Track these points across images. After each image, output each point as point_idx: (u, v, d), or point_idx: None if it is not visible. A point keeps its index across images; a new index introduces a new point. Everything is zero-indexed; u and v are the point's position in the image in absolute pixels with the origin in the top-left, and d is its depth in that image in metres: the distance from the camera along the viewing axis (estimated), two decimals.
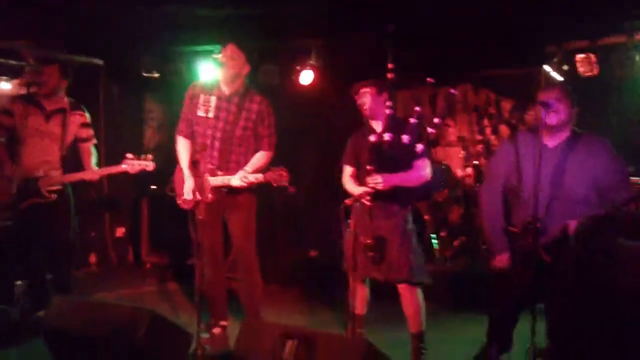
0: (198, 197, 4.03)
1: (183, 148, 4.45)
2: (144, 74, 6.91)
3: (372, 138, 3.89)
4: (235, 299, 4.82)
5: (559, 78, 6.05)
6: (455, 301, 5.53)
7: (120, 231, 7.33)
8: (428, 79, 3.98)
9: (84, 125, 4.98)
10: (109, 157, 6.41)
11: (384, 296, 4.32)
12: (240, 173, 4.14)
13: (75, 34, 6.55)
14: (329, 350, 3.00)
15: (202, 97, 4.35)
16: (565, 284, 3.36)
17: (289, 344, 3.08)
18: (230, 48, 4.33)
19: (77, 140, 4.94)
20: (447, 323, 5.13)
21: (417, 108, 3.97)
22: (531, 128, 3.68)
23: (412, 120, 3.90)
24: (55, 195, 4.75)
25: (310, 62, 6.73)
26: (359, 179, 4.13)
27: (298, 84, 6.54)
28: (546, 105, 3.37)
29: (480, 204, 3.83)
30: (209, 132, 4.30)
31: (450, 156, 7.15)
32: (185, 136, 4.45)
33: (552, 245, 3.35)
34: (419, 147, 3.84)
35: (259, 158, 4.32)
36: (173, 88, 7.36)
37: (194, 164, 4.07)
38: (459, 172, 6.93)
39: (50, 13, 6.16)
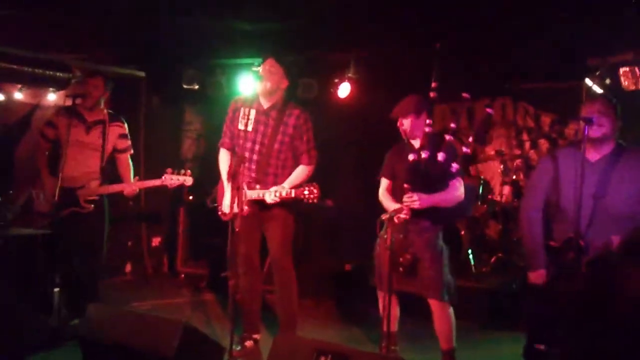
0: (235, 209, 4.05)
1: (224, 160, 4.52)
2: (185, 86, 6.99)
3: (411, 157, 3.87)
4: (270, 312, 4.82)
5: (601, 92, 5.91)
6: (491, 319, 5.43)
7: (156, 241, 7.41)
8: (464, 95, 3.92)
9: (122, 136, 5.08)
10: (148, 166, 6.55)
11: (415, 313, 4.28)
12: (275, 188, 4.15)
13: (118, 46, 6.69)
14: None
15: (242, 111, 4.41)
16: (604, 302, 3.26)
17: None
18: (270, 62, 4.38)
19: (115, 151, 5.03)
20: (482, 341, 5.05)
21: (453, 125, 3.95)
22: (573, 142, 3.60)
23: (447, 137, 3.87)
24: (93, 206, 4.84)
25: (348, 74, 6.74)
26: (394, 194, 4.13)
27: (336, 97, 6.53)
28: (589, 121, 3.30)
29: (520, 220, 3.77)
30: (248, 145, 4.34)
31: (488, 171, 7.05)
32: (227, 148, 4.52)
33: (594, 262, 3.26)
34: (454, 166, 3.81)
35: (299, 173, 4.32)
36: (212, 100, 7.46)
37: (232, 176, 4.10)
38: (497, 187, 6.82)
39: (95, 25, 6.33)
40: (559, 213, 3.50)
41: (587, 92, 6.32)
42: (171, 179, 4.77)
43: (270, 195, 4.15)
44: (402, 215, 3.82)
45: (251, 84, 7.02)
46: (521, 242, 6.33)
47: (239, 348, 4.39)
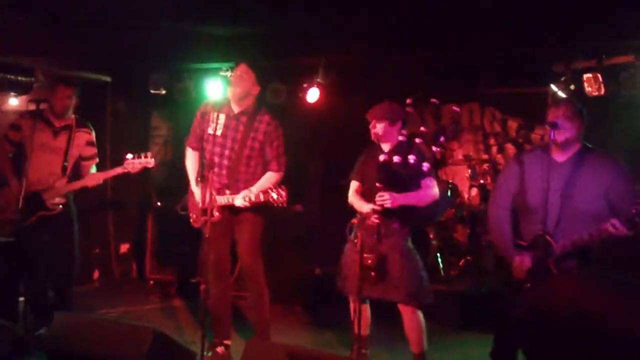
0: (204, 216, 4.04)
1: (190, 160, 4.49)
2: (152, 91, 6.93)
3: (382, 157, 3.89)
4: (240, 318, 4.79)
5: (565, 97, 6.03)
6: (461, 321, 5.49)
7: (124, 247, 7.32)
8: (432, 100, 3.97)
9: (89, 143, 5.00)
10: None
11: (386, 316, 4.30)
12: (244, 192, 4.14)
13: (83, 51, 6.60)
14: None
15: (212, 115, 4.37)
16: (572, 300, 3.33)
17: None
18: (241, 68, 4.36)
19: (81, 159, 4.95)
20: (453, 343, 5.09)
21: (423, 128, 3.98)
22: (541, 146, 3.69)
23: (417, 140, 3.90)
24: (61, 207, 4.75)
25: (317, 80, 6.75)
26: (365, 195, 4.13)
27: (305, 102, 6.54)
28: (554, 126, 3.37)
29: (489, 219, 3.83)
30: (217, 150, 4.31)
31: (456, 175, 7.13)
32: (194, 149, 4.48)
33: (561, 259, 3.32)
34: (426, 166, 3.84)
35: (268, 178, 4.31)
36: (180, 105, 7.41)
37: (201, 180, 4.07)
38: (465, 191, 6.90)
39: (59, 30, 6.23)
40: (527, 213, 3.56)
41: (552, 98, 6.45)
42: (133, 164, 4.70)
43: (240, 200, 4.13)
44: (374, 219, 3.82)
45: (219, 88, 7.07)
46: (490, 245, 6.47)
47: (209, 354, 4.36)
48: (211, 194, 4.02)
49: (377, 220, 3.82)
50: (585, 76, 5.81)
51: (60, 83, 4.95)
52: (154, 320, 5.48)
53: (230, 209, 4.25)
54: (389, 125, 4.08)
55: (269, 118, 4.35)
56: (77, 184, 4.83)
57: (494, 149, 6.99)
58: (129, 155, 4.69)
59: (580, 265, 3.36)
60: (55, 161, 4.82)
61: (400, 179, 3.91)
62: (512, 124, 6.97)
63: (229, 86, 4.33)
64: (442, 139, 3.89)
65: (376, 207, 3.81)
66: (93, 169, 4.99)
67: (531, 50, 6.03)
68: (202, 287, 3.98)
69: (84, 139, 4.97)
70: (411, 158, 3.82)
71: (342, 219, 7.39)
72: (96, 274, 6.94)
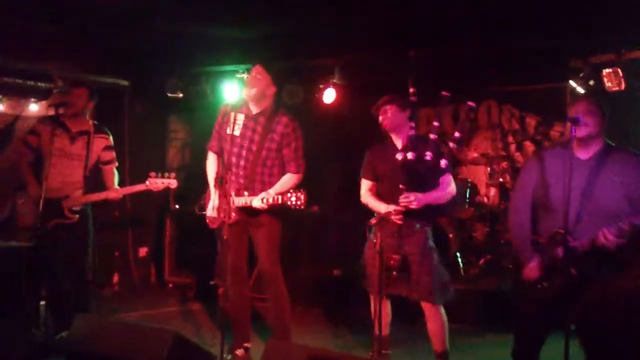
0: (222, 216, 4.03)
1: (211, 163, 4.50)
2: (169, 95, 6.96)
3: (399, 157, 3.84)
4: (259, 320, 4.78)
5: (584, 93, 5.95)
6: (480, 321, 5.44)
7: (143, 251, 7.34)
8: (443, 93, 3.90)
9: (107, 148, 5.03)
10: (132, 176, 6.46)
11: (406, 317, 4.26)
12: (262, 194, 4.13)
13: (100, 55, 6.65)
14: None
15: (231, 115, 4.37)
16: (595, 299, 3.28)
17: None
18: (257, 69, 4.37)
19: (100, 163, 4.98)
20: (473, 343, 5.05)
21: (436, 123, 3.93)
22: (560, 142, 3.63)
23: (432, 136, 3.87)
24: (77, 216, 4.78)
25: (333, 80, 6.74)
26: (382, 195, 4.10)
27: (321, 103, 6.53)
28: (576, 121, 3.31)
29: (509, 218, 3.77)
30: (235, 150, 4.30)
31: (474, 174, 7.07)
32: (215, 152, 4.50)
33: (580, 258, 3.27)
34: (443, 162, 3.80)
35: (286, 180, 4.29)
36: (196, 109, 7.45)
37: (220, 182, 4.06)
38: (483, 190, 6.84)
39: (76, 35, 6.29)
40: (547, 211, 3.51)
41: (571, 94, 6.37)
42: (155, 183, 4.75)
43: (257, 202, 4.12)
44: (395, 219, 3.79)
45: (235, 91, 7.06)
46: (509, 243, 6.40)
47: (229, 357, 4.35)
48: (229, 195, 4.01)
49: (400, 222, 3.79)
50: (605, 71, 5.74)
51: (75, 84, 5.00)
52: (173, 323, 5.50)
53: (247, 210, 4.24)
54: (398, 110, 4.04)
55: (287, 120, 4.33)
56: (98, 196, 4.85)
57: (513, 147, 6.92)
58: (152, 173, 4.72)
59: (599, 266, 3.29)
60: (75, 168, 4.85)
61: (420, 177, 3.88)
62: (531, 121, 6.89)
63: (244, 87, 4.31)
64: (457, 134, 3.80)
65: (399, 208, 3.79)
66: (115, 173, 5.01)
67: (549, 45, 5.96)
68: (220, 290, 3.98)
69: (102, 144, 5.00)
70: (428, 155, 3.78)
71: (359, 219, 7.41)
72: (116, 278, 6.96)
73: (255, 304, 4.95)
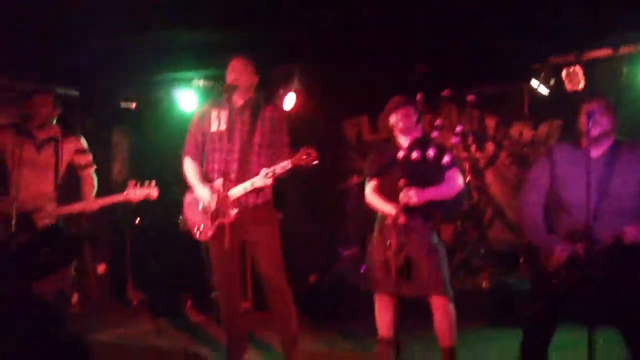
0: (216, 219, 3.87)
1: (191, 168, 4.20)
2: (121, 105, 6.70)
3: (401, 154, 3.82)
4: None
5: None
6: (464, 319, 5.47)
7: (101, 268, 7.03)
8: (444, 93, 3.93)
9: (80, 151, 4.75)
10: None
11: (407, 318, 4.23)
12: (264, 170, 3.89)
13: (49, 65, 6.32)
14: None
15: (213, 114, 4.15)
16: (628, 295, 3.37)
17: None
18: (238, 61, 4.18)
19: (75, 168, 4.70)
20: (468, 341, 5.05)
21: (438, 122, 3.95)
22: (571, 140, 3.69)
23: (434, 134, 3.89)
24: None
25: (293, 86, 6.69)
26: (383, 193, 4.07)
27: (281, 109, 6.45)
28: (591, 117, 3.36)
29: (523, 217, 3.72)
30: (225, 145, 4.06)
31: None
32: (193, 158, 4.22)
33: (601, 255, 3.33)
34: (447, 158, 3.82)
35: (283, 165, 3.98)
36: (146, 120, 7.23)
37: (210, 182, 3.91)
38: None
39: (25, 43, 5.95)
40: (561, 210, 3.54)
41: (530, 94, 6.57)
42: (135, 193, 4.47)
43: (261, 179, 3.88)
44: (400, 221, 3.77)
45: (192, 98, 6.91)
46: (478, 240, 6.52)
47: None
48: (225, 193, 3.88)
49: (403, 222, 3.76)
50: (564, 71, 5.95)
51: (38, 91, 4.70)
52: (152, 342, 5.22)
53: (243, 213, 4.00)
54: (413, 111, 4.05)
55: (273, 107, 4.22)
56: (72, 208, 4.56)
57: (473, 148, 7.05)
58: (131, 183, 4.45)
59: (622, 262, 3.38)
60: (45, 179, 4.55)
61: (423, 173, 3.87)
62: (490, 122, 7.05)
63: (229, 84, 4.07)
64: (459, 128, 3.86)
65: (400, 215, 3.78)
66: (94, 178, 4.73)
67: (509, 47, 6.11)
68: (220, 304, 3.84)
69: (73, 148, 4.71)
70: (430, 152, 3.78)
71: (323, 226, 7.39)
72: (75, 297, 6.61)
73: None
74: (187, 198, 4.25)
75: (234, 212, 3.94)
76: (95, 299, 6.72)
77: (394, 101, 4.09)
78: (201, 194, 4.08)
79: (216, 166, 4.06)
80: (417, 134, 4.07)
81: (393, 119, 4.07)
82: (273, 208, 4.18)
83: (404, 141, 4.07)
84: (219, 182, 4.00)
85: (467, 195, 6.41)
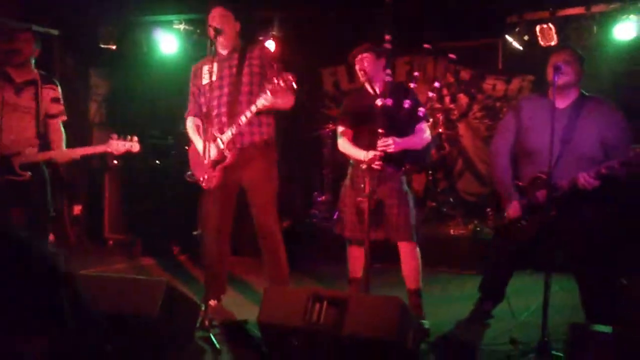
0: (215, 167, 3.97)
1: (190, 125, 4.35)
2: (102, 46, 6.68)
3: (379, 102, 3.90)
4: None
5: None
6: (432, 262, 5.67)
7: (77, 209, 7.10)
8: (425, 45, 4.01)
9: (55, 100, 4.72)
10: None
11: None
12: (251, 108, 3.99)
13: (30, 3, 6.25)
14: (361, 310, 3.07)
15: (205, 68, 4.24)
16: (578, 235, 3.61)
17: (319, 306, 3.13)
18: (218, 10, 4.20)
19: (46, 116, 4.72)
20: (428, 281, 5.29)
21: (416, 73, 4.06)
22: (539, 91, 3.88)
23: (411, 84, 4.02)
24: (29, 174, 4.53)
25: (273, 32, 6.72)
26: (358, 140, 4.15)
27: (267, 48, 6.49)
28: (558, 69, 3.52)
29: (491, 161, 4.01)
30: (215, 93, 4.15)
31: None
32: (193, 115, 4.36)
33: (560, 199, 3.54)
34: (421, 110, 3.96)
35: (265, 97, 3.98)
36: (126, 62, 7.20)
37: (203, 132, 3.99)
38: None
39: None
40: (527, 157, 3.76)
41: (505, 49, 6.72)
42: (117, 145, 4.51)
43: (247, 114, 3.97)
44: (375, 166, 3.87)
45: (172, 42, 6.90)
46: (446, 191, 6.74)
47: (203, 307, 4.32)
48: (215, 138, 3.96)
49: (379, 167, 3.87)
50: (538, 27, 6.10)
51: (17, 29, 4.66)
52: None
53: (238, 147, 4.10)
54: (374, 57, 4.09)
55: (258, 47, 4.28)
56: (50, 155, 4.55)
57: (447, 99, 7.20)
58: (114, 135, 4.49)
59: (579, 206, 3.59)
60: (27, 123, 4.55)
61: (400, 123, 3.98)
62: (465, 75, 7.19)
63: (217, 34, 4.15)
64: (437, 84, 3.99)
65: (378, 153, 3.85)
66: (61, 129, 4.74)
67: (484, 1, 6.24)
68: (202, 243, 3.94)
69: (50, 96, 4.72)
70: (406, 103, 3.92)
71: (299, 170, 7.52)
72: (51, 237, 6.68)
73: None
74: (190, 152, 4.36)
75: (228, 154, 4.02)
76: (70, 240, 6.81)
77: (356, 49, 4.15)
78: (199, 146, 4.19)
79: (210, 114, 4.07)
80: (387, 79, 4.12)
81: (357, 66, 4.13)
82: (271, 147, 4.23)
83: (374, 87, 4.09)
84: (214, 130, 4.07)
85: (434, 147, 6.57)
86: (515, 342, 3.57)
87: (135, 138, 4.45)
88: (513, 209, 3.75)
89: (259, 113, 4.04)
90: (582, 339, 2.86)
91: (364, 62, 4.09)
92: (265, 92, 3.87)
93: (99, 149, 4.51)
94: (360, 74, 4.12)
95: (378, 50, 4.11)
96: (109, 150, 4.46)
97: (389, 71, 4.13)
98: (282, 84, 3.78)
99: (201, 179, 4.15)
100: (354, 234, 4.12)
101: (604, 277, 3.53)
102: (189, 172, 4.35)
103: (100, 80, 7.88)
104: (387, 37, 4.05)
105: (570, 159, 3.57)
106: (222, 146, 4.06)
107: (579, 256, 3.64)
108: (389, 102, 3.90)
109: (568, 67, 3.61)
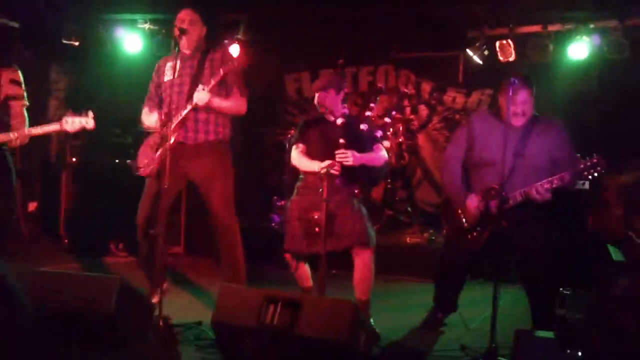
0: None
1: (146, 116, 4.42)
2: (64, 42, 6.60)
3: (339, 121, 4.04)
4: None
5: (480, 62, 6.46)
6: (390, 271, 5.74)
7: (32, 206, 6.99)
8: (338, 61, 4.18)
9: (14, 82, 4.60)
10: None
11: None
12: (201, 86, 4.04)
13: None
14: (314, 312, 3.11)
15: (168, 65, 4.29)
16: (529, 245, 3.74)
17: (273, 307, 3.16)
18: (187, 12, 4.29)
19: (7, 98, 4.63)
20: (380, 291, 5.35)
21: (372, 104, 4.18)
22: (491, 112, 4.10)
23: (367, 113, 4.16)
24: None
25: (237, 36, 6.74)
26: (315, 157, 4.15)
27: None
28: (511, 93, 3.64)
29: (442, 168, 4.18)
30: (176, 89, 4.21)
31: None
32: (149, 107, 4.41)
33: (511, 210, 3.67)
34: (379, 132, 4.12)
35: (229, 101, 4.19)
36: (90, 59, 7.14)
37: (162, 126, 4.03)
38: None
39: None
40: (480, 169, 3.90)
41: (466, 62, 6.87)
42: (72, 122, 4.40)
43: (200, 94, 4.01)
44: (333, 171, 3.91)
45: (135, 41, 6.87)
46: (404, 200, 6.84)
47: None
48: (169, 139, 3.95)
49: (338, 172, 3.91)
50: (498, 43, 6.27)
51: None
52: None
53: (189, 150, 4.14)
54: (335, 93, 4.18)
55: (221, 50, 4.39)
56: (6, 137, 4.50)
57: (408, 110, 7.31)
58: (68, 112, 4.40)
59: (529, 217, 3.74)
60: None
61: (357, 141, 4.08)
62: (426, 87, 7.31)
63: (183, 35, 4.15)
64: (395, 113, 4.18)
65: (336, 163, 3.90)
66: (24, 113, 4.65)
67: (446, 14, 6.38)
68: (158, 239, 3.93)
69: (8, 78, 4.61)
70: (364, 125, 4.12)
71: (260, 174, 7.53)
72: None
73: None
74: (143, 145, 4.36)
75: (172, 138, 3.99)
76: (24, 237, 6.68)
77: (321, 82, 4.27)
78: (153, 137, 4.23)
79: (168, 109, 4.12)
80: (344, 111, 4.24)
81: (317, 99, 4.21)
82: (225, 146, 4.28)
83: (331, 117, 4.19)
84: (170, 124, 4.10)
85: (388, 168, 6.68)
86: (465, 349, 3.68)
87: (91, 113, 4.29)
88: (471, 202, 3.84)
89: (216, 113, 4.18)
90: (526, 344, 2.96)
91: (326, 100, 4.17)
92: (203, 89, 3.97)
93: (52, 127, 4.38)
94: (320, 109, 4.21)
95: (339, 85, 4.23)
96: (63, 128, 4.33)
97: (346, 105, 4.29)
98: (236, 64, 3.92)
99: (140, 166, 4.19)
100: (296, 247, 4.11)
101: (550, 287, 3.65)
102: (130, 161, 4.39)
103: (60, 76, 7.78)
104: (340, 61, 4.19)
105: (523, 172, 3.71)
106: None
107: (527, 267, 3.77)
108: (349, 121, 4.06)
109: (527, 107, 3.81)
